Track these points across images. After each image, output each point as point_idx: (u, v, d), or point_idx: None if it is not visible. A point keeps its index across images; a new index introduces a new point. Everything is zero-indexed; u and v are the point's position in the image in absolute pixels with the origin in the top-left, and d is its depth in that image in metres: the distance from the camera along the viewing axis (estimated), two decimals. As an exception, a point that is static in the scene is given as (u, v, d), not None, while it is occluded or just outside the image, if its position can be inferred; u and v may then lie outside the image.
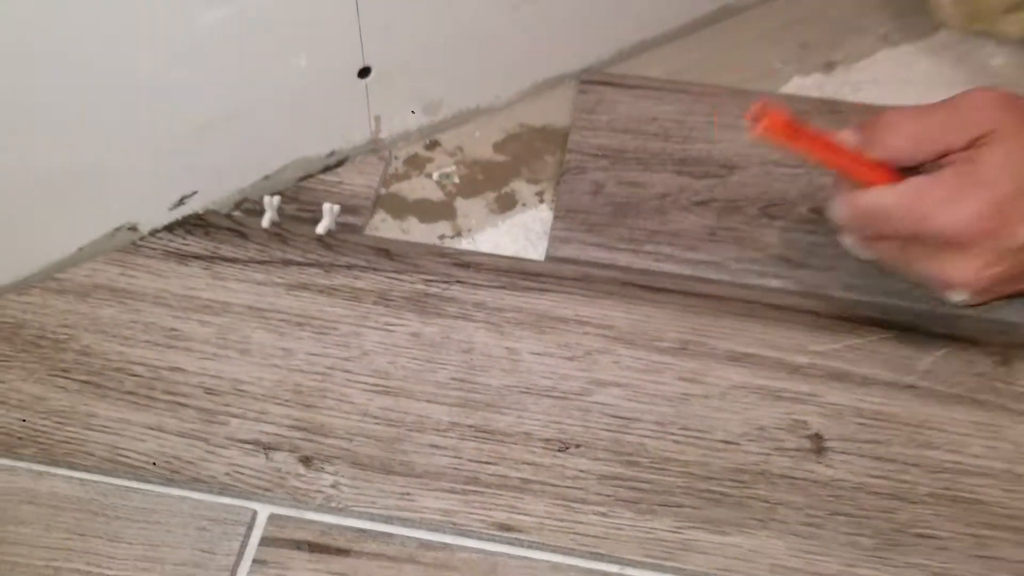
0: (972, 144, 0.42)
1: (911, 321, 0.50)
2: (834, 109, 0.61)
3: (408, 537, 0.43)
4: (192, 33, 0.46)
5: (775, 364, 0.49)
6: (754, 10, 0.68)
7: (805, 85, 0.64)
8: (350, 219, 0.55)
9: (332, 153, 0.57)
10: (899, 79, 0.64)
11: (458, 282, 0.52)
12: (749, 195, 0.56)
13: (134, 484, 0.44)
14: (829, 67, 0.65)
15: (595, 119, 0.60)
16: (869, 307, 0.51)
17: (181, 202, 0.53)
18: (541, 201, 0.57)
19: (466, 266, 0.53)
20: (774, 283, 0.52)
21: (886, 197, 0.43)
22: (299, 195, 0.55)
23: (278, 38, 0.49)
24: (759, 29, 0.67)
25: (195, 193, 0.53)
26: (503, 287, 0.52)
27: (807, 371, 0.49)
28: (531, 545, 0.43)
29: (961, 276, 0.43)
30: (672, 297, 0.52)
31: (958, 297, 0.45)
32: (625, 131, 0.59)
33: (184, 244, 0.53)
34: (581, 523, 0.43)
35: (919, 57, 0.66)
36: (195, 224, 0.54)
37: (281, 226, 0.54)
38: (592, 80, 0.62)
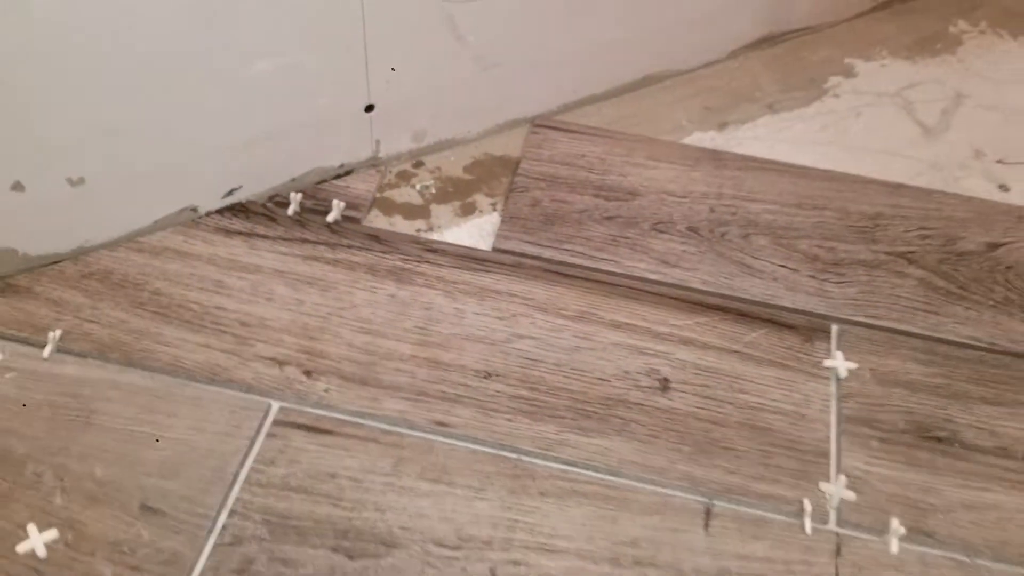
0: None
1: (744, 308, 0.70)
2: (717, 158, 0.81)
3: (373, 426, 0.62)
4: (247, 76, 0.66)
5: (644, 331, 0.68)
6: (672, 80, 0.89)
7: (702, 138, 0.84)
8: (352, 213, 0.75)
9: (342, 165, 0.77)
10: (773, 138, 0.84)
11: (427, 262, 0.72)
12: (645, 215, 0.76)
13: (188, 381, 0.64)
14: (723, 126, 0.85)
15: (540, 153, 0.80)
16: (716, 297, 0.71)
17: (230, 193, 0.73)
18: (494, 209, 0.77)
19: (434, 251, 0.73)
20: (652, 276, 0.72)
21: None
22: (316, 194, 0.76)
23: (308, 82, 0.69)
24: (675, 95, 0.88)
25: (240, 187, 0.73)
26: (458, 267, 0.72)
27: (665, 337, 0.68)
28: (458, 436, 0.62)
29: None
30: (578, 281, 0.71)
31: None
32: (561, 163, 0.80)
33: (230, 223, 0.73)
34: (493, 424, 0.63)
35: (793, 122, 0.86)
36: (239, 210, 0.74)
37: (301, 215, 0.74)
38: (541, 124, 0.83)
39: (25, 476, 0.58)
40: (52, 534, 0.55)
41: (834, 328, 0.70)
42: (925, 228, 0.76)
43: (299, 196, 0.75)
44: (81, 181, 0.65)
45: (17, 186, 0.63)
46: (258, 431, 0.61)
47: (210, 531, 0.56)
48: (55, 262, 0.69)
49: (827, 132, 0.86)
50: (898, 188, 0.80)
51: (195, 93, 0.65)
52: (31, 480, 0.57)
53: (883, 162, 0.83)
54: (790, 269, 0.73)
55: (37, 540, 0.55)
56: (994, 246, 0.76)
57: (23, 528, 0.55)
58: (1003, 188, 0.82)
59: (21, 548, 0.54)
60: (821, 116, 0.87)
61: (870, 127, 0.86)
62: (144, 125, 0.64)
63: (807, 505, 0.60)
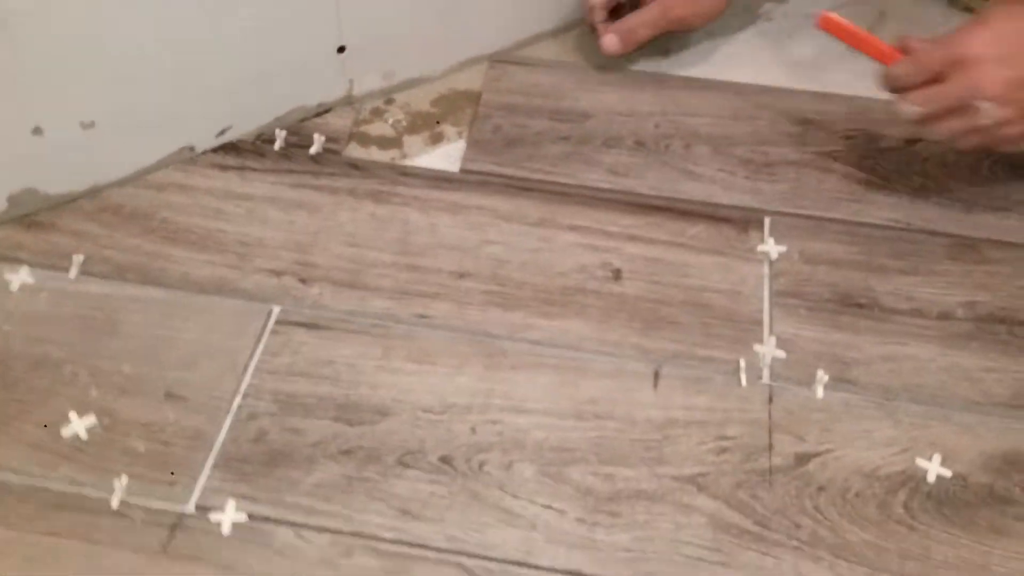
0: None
1: (687, 208, 0.79)
2: (661, 81, 0.89)
3: (363, 321, 0.71)
4: (231, 22, 0.74)
5: (597, 231, 0.77)
6: (618, 14, 0.97)
7: (648, 64, 0.92)
8: (332, 146, 0.83)
9: (320, 104, 0.85)
10: (712, 61, 0.93)
11: (402, 184, 0.81)
12: (596, 133, 0.85)
13: (198, 293, 0.72)
14: (666, 52, 0.94)
15: (499, 86, 0.89)
16: (660, 200, 0.80)
17: (222, 132, 0.82)
18: (460, 137, 0.86)
19: (408, 175, 0.81)
20: (604, 185, 0.81)
21: (924, 45, 0.71)
22: (299, 130, 0.84)
23: (285, 26, 0.77)
24: (621, 27, 0.96)
25: (231, 127, 0.82)
26: (430, 187, 0.80)
27: (616, 235, 0.77)
28: (437, 326, 0.71)
29: (990, 84, 0.67)
30: (538, 194, 0.80)
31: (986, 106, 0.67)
32: (518, 93, 0.88)
33: (223, 159, 0.81)
34: (468, 315, 0.72)
35: (730, 45, 0.95)
36: (230, 148, 0.82)
37: (286, 150, 0.83)
38: (499, 60, 0.91)
39: (63, 375, 0.66)
40: (91, 419, 0.64)
41: (767, 220, 0.79)
42: (850, 130, 0.85)
43: (283, 133, 0.83)
44: (92, 124, 0.73)
45: (37, 130, 0.71)
46: (263, 330, 0.70)
47: (227, 411, 0.65)
48: (72, 200, 0.77)
49: (762, 52, 0.94)
50: (826, 97, 0.88)
51: (187, 39, 0.73)
52: (68, 378, 0.66)
53: (813, 75, 0.92)
54: (727, 172, 0.82)
55: (79, 425, 0.63)
56: (912, 142, 0.85)
57: (65, 416, 0.64)
58: (921, 94, 0.90)
59: (65, 432, 0.63)
60: (756, 38, 0.96)
61: (801, 45, 0.95)
62: (144, 71, 0.73)
63: (742, 364, 0.69)
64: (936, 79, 0.70)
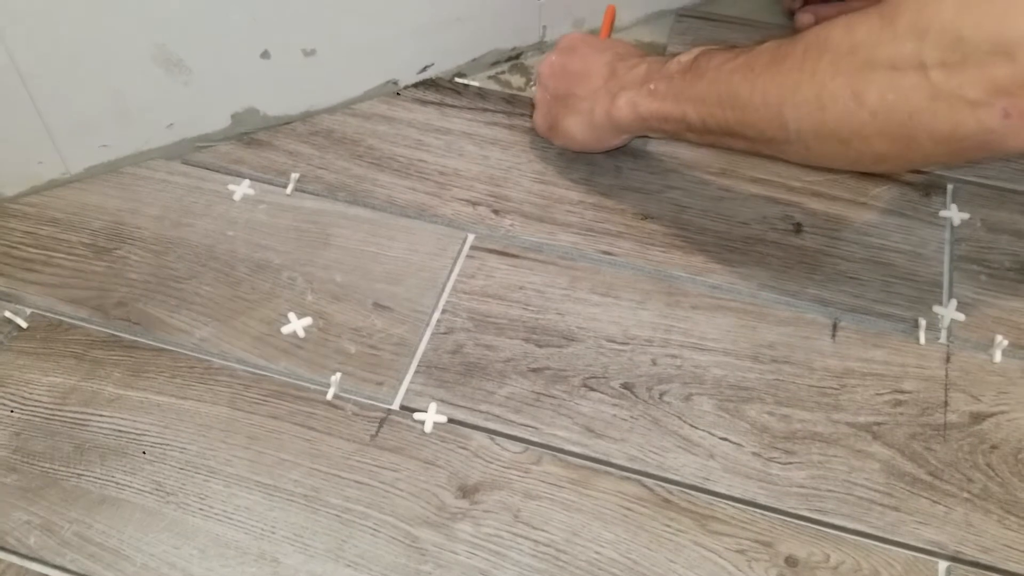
0: None
1: (870, 168, 0.80)
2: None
3: (551, 253, 0.75)
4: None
5: (779, 185, 0.79)
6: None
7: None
8: (524, 89, 0.87)
9: (514, 48, 0.89)
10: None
11: (588, 128, 0.84)
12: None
13: (401, 216, 0.78)
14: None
15: (685, 39, 0.91)
16: (845, 158, 0.81)
17: (423, 69, 0.87)
18: (645, 88, 0.88)
19: (594, 120, 0.85)
20: (787, 141, 0.82)
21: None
22: (494, 71, 0.88)
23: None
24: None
25: (432, 64, 0.87)
26: (616, 133, 0.84)
27: (799, 190, 0.79)
28: (620, 264, 0.75)
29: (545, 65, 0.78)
30: (718, 148, 0.82)
31: None
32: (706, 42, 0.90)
33: (424, 95, 0.87)
34: (650, 254, 0.75)
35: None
36: (430, 84, 0.87)
37: (481, 89, 0.87)
38: (686, 14, 0.93)
39: (282, 279, 0.73)
40: (308, 320, 0.70)
41: (949, 186, 0.79)
42: (1039, 104, 0.84)
43: (480, 73, 0.87)
44: (313, 52, 0.79)
45: (265, 54, 0.77)
46: (459, 253, 0.75)
47: (427, 324, 0.71)
48: (287, 122, 0.83)
49: None
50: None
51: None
52: (287, 283, 0.73)
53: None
54: (912, 136, 0.82)
55: (297, 324, 0.70)
56: (1105, 120, 0.83)
57: (284, 316, 0.71)
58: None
59: (285, 330, 0.70)
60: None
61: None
62: (364, 4, 0.78)
63: (922, 323, 0.70)
64: None
